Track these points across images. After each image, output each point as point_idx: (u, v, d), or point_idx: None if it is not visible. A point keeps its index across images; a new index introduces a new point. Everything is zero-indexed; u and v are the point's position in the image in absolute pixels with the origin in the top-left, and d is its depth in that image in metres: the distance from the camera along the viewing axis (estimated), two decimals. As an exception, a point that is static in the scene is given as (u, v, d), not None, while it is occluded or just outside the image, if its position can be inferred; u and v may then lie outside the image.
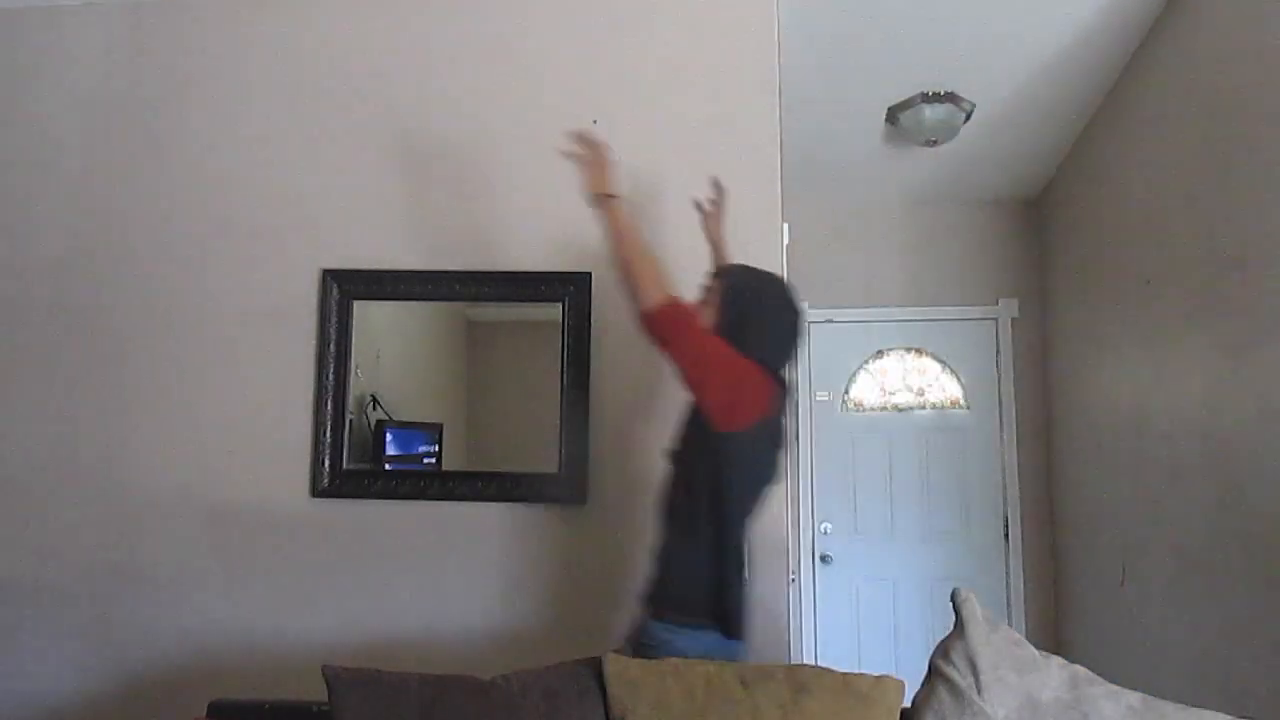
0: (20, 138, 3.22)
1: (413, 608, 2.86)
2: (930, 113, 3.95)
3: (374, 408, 3.01)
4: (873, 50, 3.62)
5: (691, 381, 2.09)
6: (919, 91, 3.92)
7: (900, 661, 4.66)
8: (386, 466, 2.99)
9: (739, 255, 2.95)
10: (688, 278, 2.94)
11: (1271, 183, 2.68)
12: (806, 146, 4.18)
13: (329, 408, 2.94)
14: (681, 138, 3.02)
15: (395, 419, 3.03)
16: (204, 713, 2.17)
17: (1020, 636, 1.90)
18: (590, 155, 2.23)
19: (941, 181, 4.86)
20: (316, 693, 1.99)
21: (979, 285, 5.05)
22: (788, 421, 2.30)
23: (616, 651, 2.05)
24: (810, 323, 5.05)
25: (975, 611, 1.87)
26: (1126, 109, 3.80)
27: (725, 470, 2.10)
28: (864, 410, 5.08)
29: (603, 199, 2.20)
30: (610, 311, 2.93)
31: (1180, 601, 3.29)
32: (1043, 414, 4.90)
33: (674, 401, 2.86)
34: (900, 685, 1.88)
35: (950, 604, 1.91)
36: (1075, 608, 4.53)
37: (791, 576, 2.98)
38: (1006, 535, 4.87)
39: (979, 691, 1.77)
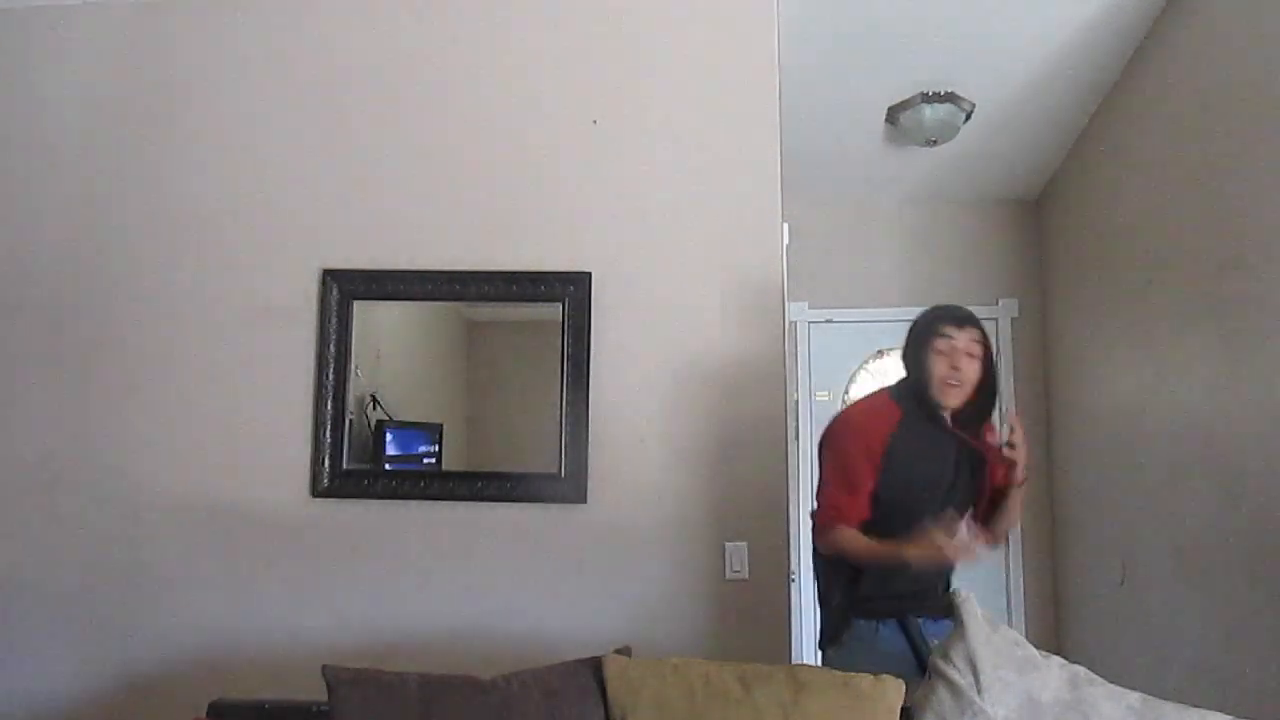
0: (21, 138, 3.21)
1: (413, 608, 2.86)
2: (930, 113, 3.95)
3: (374, 408, 3.01)
4: (873, 50, 3.62)
5: None
6: (919, 91, 3.91)
7: (900, 661, 4.65)
8: (386, 466, 2.99)
9: (738, 255, 2.96)
10: (686, 284, 2.95)
11: (1271, 183, 2.68)
12: (806, 146, 4.17)
13: (329, 408, 2.94)
14: (681, 138, 3.01)
15: (395, 419, 3.03)
16: (204, 713, 2.18)
17: (1020, 636, 1.90)
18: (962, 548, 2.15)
19: (941, 181, 4.85)
20: (316, 693, 2.00)
21: (979, 285, 5.04)
22: None
23: (617, 652, 2.05)
24: (810, 322, 5.05)
25: (975, 611, 1.87)
26: (1127, 109, 3.80)
27: None
28: (864, 410, 5.07)
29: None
30: (610, 311, 2.93)
31: (1180, 601, 3.28)
32: (1043, 414, 4.90)
33: (673, 401, 2.87)
34: (900, 685, 1.88)
35: (950, 604, 1.91)
36: (1075, 608, 4.53)
37: (792, 576, 2.98)
38: (1007, 535, 4.87)
39: (979, 691, 1.77)
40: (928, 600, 2.20)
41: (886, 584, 2.19)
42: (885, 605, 2.21)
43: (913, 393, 2.27)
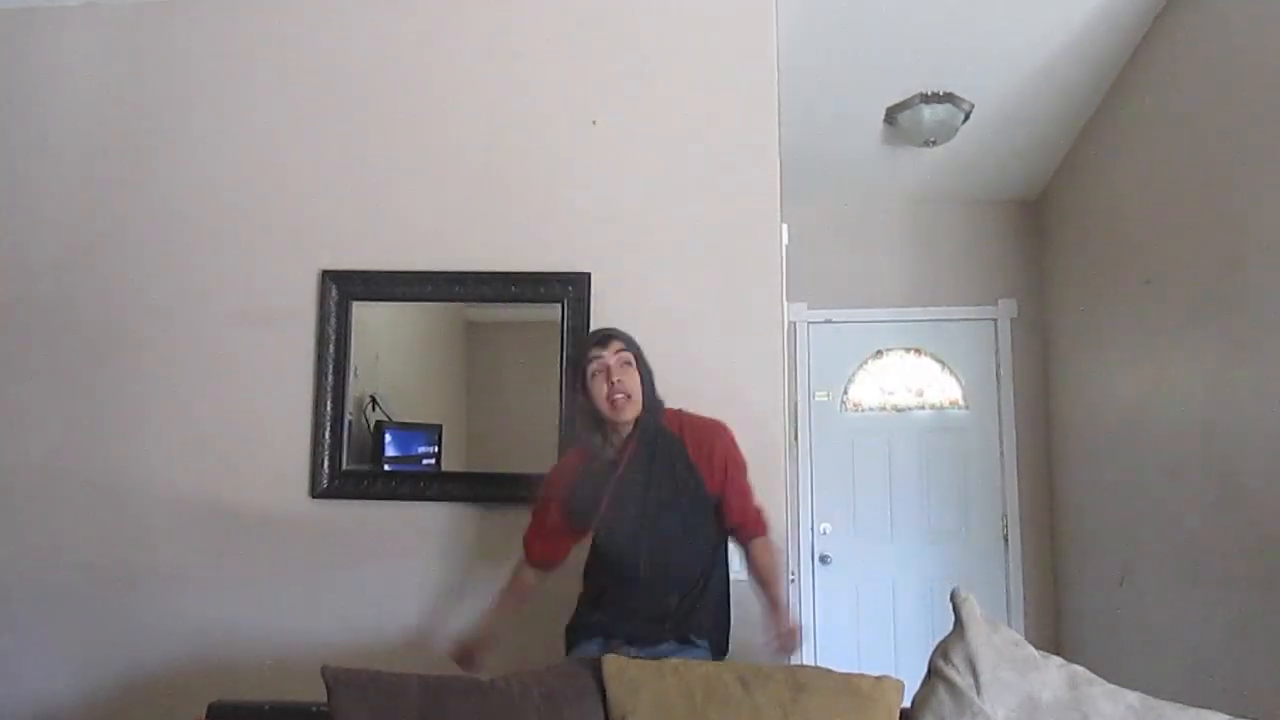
0: (20, 138, 3.21)
1: (412, 608, 2.86)
2: (929, 113, 3.95)
3: (373, 408, 3.01)
4: (872, 50, 3.62)
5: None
6: (918, 92, 3.92)
7: (900, 661, 4.65)
8: (386, 467, 2.99)
9: (738, 255, 2.96)
10: (686, 285, 2.95)
11: (1271, 183, 2.68)
12: (806, 146, 4.17)
13: (328, 408, 2.94)
14: (681, 138, 3.01)
15: (394, 420, 3.03)
16: (204, 713, 2.17)
17: (1020, 636, 1.90)
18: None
19: (941, 181, 4.86)
20: (316, 693, 1.99)
21: (979, 285, 5.05)
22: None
23: (616, 651, 2.05)
24: (809, 323, 5.05)
25: (975, 611, 1.87)
26: (1126, 108, 3.80)
27: None
28: (863, 410, 5.07)
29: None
30: (609, 311, 2.93)
31: (1180, 601, 3.28)
32: (1042, 414, 4.90)
33: (672, 401, 2.87)
34: (900, 685, 1.88)
35: (950, 604, 1.91)
36: (1075, 608, 4.53)
37: (791, 577, 2.98)
38: (1006, 535, 4.86)
39: (978, 691, 1.77)
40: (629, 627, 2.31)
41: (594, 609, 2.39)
42: (589, 628, 2.37)
43: (592, 422, 2.32)
